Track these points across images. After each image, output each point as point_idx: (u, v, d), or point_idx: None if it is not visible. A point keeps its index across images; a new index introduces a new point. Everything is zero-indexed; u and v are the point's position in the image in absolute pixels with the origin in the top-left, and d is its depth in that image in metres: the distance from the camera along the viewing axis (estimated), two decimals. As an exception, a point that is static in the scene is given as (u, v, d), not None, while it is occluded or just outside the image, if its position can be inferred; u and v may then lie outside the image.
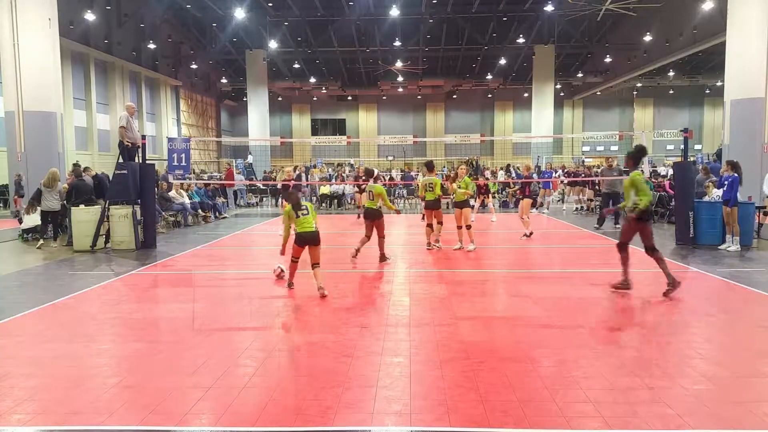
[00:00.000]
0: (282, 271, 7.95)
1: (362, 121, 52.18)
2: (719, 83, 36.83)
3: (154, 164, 12.46)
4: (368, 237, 9.30)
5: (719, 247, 10.42)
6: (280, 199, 22.92)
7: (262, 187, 24.12)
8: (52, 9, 16.53)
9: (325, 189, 21.68)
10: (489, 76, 42.28)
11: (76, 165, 14.82)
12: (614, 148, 49.31)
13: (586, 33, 35.79)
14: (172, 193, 15.07)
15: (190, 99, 43.92)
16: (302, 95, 49.59)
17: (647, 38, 32.94)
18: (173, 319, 6.16)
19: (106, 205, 11.26)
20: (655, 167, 28.43)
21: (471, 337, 5.34)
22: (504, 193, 21.92)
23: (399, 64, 38.75)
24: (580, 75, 42.44)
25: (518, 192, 13.15)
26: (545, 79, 34.76)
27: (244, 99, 40.11)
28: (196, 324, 5.89)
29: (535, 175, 18.51)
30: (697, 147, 45.40)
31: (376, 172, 10.05)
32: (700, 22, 28.01)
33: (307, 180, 21.39)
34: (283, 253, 7.57)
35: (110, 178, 12.49)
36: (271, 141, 38.61)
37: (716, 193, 11.78)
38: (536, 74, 35.40)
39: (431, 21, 34.30)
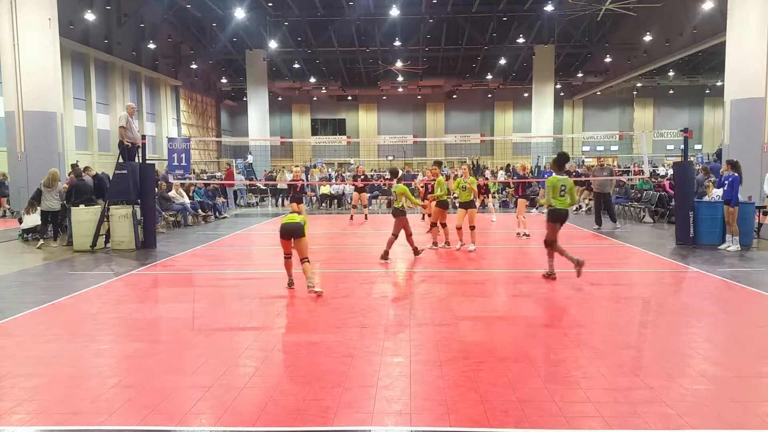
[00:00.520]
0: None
1: (362, 121, 52.18)
2: (719, 83, 36.86)
3: (154, 164, 12.46)
4: (395, 236, 9.54)
5: (719, 247, 10.42)
6: (281, 199, 23.00)
7: (262, 187, 24.12)
8: (52, 9, 16.53)
9: (325, 189, 21.69)
10: (489, 76, 42.28)
11: (75, 165, 14.81)
12: (614, 148, 49.36)
13: (586, 33, 35.79)
14: (172, 193, 15.07)
15: (190, 99, 43.92)
16: (302, 95, 49.60)
17: (647, 38, 32.94)
18: (173, 319, 6.16)
19: (106, 205, 11.26)
20: (656, 167, 28.42)
21: (471, 337, 5.34)
22: (504, 193, 21.91)
23: (399, 64, 38.76)
24: (580, 75, 42.44)
25: (514, 192, 13.25)
26: (545, 79, 34.76)
27: (244, 99, 40.12)
28: (196, 324, 5.89)
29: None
30: (697, 147, 45.42)
31: (400, 172, 10.43)
32: (700, 22, 28.01)
33: (307, 180, 21.39)
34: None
35: (110, 178, 12.49)
36: (271, 141, 38.61)
37: (716, 193, 11.78)
38: (536, 74, 35.39)
39: (431, 21, 34.31)
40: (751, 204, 11.06)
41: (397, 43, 34.92)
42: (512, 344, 5.13)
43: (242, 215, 19.03)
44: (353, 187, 17.98)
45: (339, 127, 52.77)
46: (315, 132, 52.98)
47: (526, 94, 45.58)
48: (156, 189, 13.14)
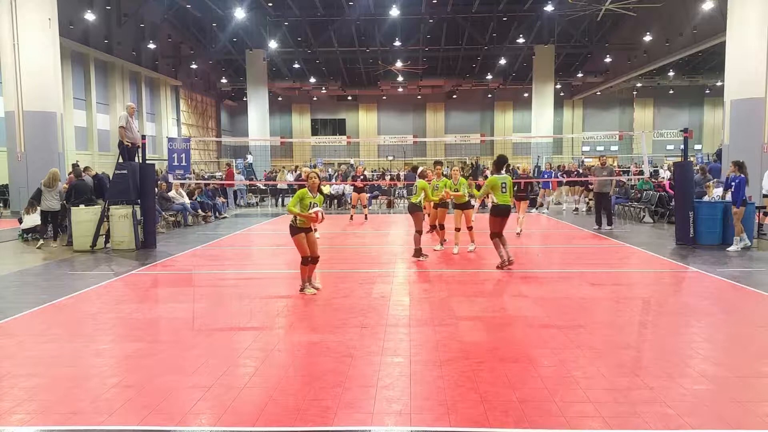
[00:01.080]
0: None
1: (362, 121, 52.19)
2: (719, 83, 36.85)
3: (154, 164, 12.46)
4: (420, 232, 9.65)
5: (728, 249, 10.30)
6: (281, 199, 23.01)
7: (262, 187, 24.12)
8: (52, 9, 16.55)
9: (325, 189, 21.67)
10: (489, 76, 42.29)
11: (75, 165, 14.82)
12: (614, 148, 49.35)
13: (586, 33, 35.80)
14: (172, 193, 15.07)
15: (190, 99, 43.93)
16: (302, 95, 49.61)
17: (647, 38, 32.95)
18: (173, 319, 6.16)
19: (106, 205, 11.26)
20: (656, 167, 28.41)
21: (471, 337, 5.34)
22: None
23: (399, 64, 38.76)
24: (580, 75, 42.45)
25: (517, 193, 13.37)
26: (545, 79, 34.77)
27: (244, 99, 40.12)
28: (196, 324, 5.89)
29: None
30: (697, 147, 45.42)
31: (420, 168, 10.78)
32: (700, 22, 28.01)
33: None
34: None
35: (110, 178, 12.49)
36: (271, 141, 38.61)
37: (717, 193, 11.78)
38: (536, 74, 35.40)
39: (431, 21, 34.31)
40: (751, 204, 11.05)
41: (397, 43, 34.93)
42: (512, 344, 5.13)
43: (242, 215, 19.04)
44: (353, 187, 17.96)
45: (339, 127, 52.77)
46: (315, 132, 52.99)
47: (526, 94, 45.58)
48: (156, 189, 13.14)
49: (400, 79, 41.76)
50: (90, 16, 27.67)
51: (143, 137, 11.83)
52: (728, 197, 11.63)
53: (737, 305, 6.62)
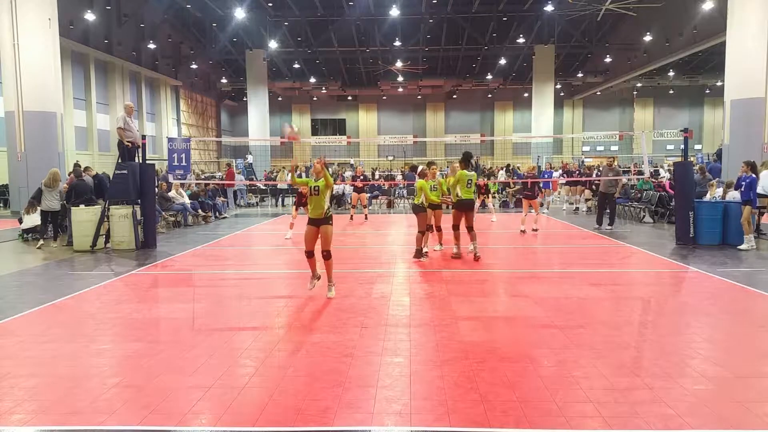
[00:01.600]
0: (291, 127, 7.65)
1: (362, 121, 52.20)
2: (719, 83, 36.86)
3: (154, 164, 12.46)
4: (422, 232, 9.65)
5: (738, 247, 10.32)
6: (281, 199, 23.01)
7: (262, 187, 24.12)
8: (52, 9, 16.55)
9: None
10: (489, 76, 42.30)
11: (76, 165, 14.83)
12: (614, 148, 49.37)
13: (586, 33, 35.80)
14: (172, 193, 15.07)
15: (190, 99, 43.93)
16: (302, 95, 49.61)
17: (647, 38, 32.95)
18: (173, 319, 6.16)
19: (106, 205, 11.26)
20: (656, 167, 28.41)
21: (471, 337, 5.34)
22: (504, 193, 21.90)
23: (399, 64, 38.76)
24: (580, 75, 42.45)
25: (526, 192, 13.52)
26: (545, 79, 34.77)
27: (244, 99, 40.13)
28: (196, 324, 5.89)
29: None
30: (697, 147, 45.44)
31: (420, 168, 10.77)
32: (700, 22, 28.02)
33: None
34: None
35: (110, 178, 12.49)
36: (271, 141, 38.62)
37: (717, 193, 11.79)
38: (536, 74, 35.41)
39: (431, 21, 34.31)
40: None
41: (397, 43, 34.93)
42: (512, 344, 5.13)
43: (242, 215, 19.04)
44: (352, 187, 17.95)
45: (339, 127, 52.79)
46: (315, 132, 53.00)
47: (526, 94, 45.59)
48: (156, 189, 13.14)
49: (400, 79, 41.76)
50: (90, 16, 27.67)
51: (143, 137, 11.83)
52: (728, 197, 11.65)
53: (737, 305, 6.62)
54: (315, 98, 51.34)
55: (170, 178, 13.68)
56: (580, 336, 5.33)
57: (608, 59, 39.50)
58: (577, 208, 18.87)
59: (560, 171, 24.61)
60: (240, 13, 29.38)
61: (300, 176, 21.64)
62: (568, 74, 43.09)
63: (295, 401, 3.91)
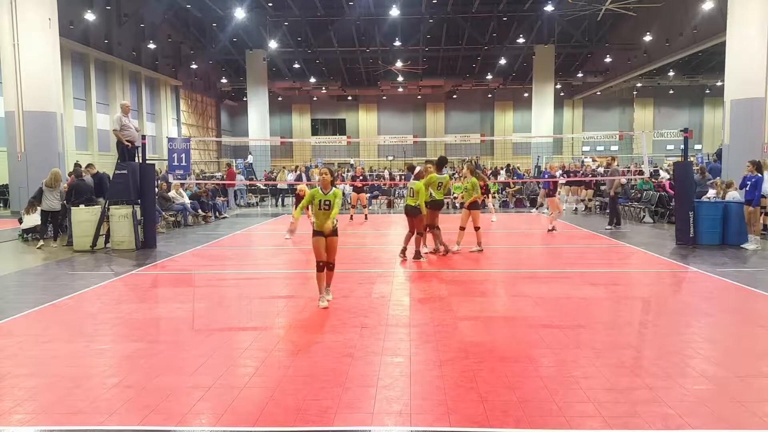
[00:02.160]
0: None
1: (362, 121, 52.18)
2: (719, 83, 36.83)
3: (154, 164, 12.45)
4: (412, 233, 9.64)
5: (742, 246, 10.34)
6: (281, 199, 23.00)
7: (262, 187, 24.12)
8: (52, 9, 16.54)
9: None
10: (489, 76, 42.28)
11: (76, 165, 14.82)
12: (614, 148, 49.34)
13: (586, 33, 35.78)
14: (172, 193, 15.07)
15: (190, 99, 43.92)
16: (302, 95, 49.60)
17: (647, 38, 32.93)
18: (173, 319, 6.16)
19: (106, 205, 11.26)
20: (656, 167, 28.41)
21: (471, 337, 5.34)
22: (504, 193, 21.90)
23: (399, 64, 38.74)
24: (580, 75, 42.44)
25: (545, 192, 13.72)
26: (545, 79, 34.76)
27: (244, 99, 40.11)
28: (196, 324, 5.89)
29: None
30: (697, 147, 45.43)
31: (417, 168, 10.74)
32: (700, 22, 28.00)
33: (308, 180, 21.38)
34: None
35: (110, 177, 12.49)
36: (271, 141, 38.60)
37: (712, 193, 11.79)
38: (536, 74, 35.39)
39: (431, 21, 34.30)
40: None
41: (397, 43, 34.91)
42: (512, 344, 5.13)
43: (242, 215, 19.03)
44: (352, 187, 17.95)
45: (339, 127, 52.77)
46: (315, 132, 52.99)
47: (526, 94, 45.58)
48: (156, 189, 13.14)
49: (400, 79, 41.74)
50: (90, 16, 27.65)
51: (143, 137, 11.81)
52: (728, 197, 11.65)
53: (737, 305, 6.63)
54: (315, 98, 51.32)
55: (170, 178, 13.69)
56: (580, 336, 5.33)
57: (608, 59, 39.49)
58: (576, 208, 18.86)
59: (560, 171, 24.56)
60: (240, 13, 29.37)
61: (300, 177, 21.75)
62: (568, 74, 43.08)
63: (295, 401, 3.91)
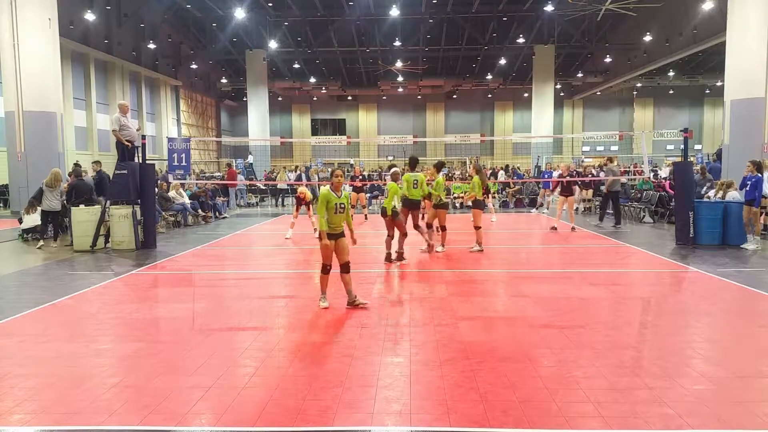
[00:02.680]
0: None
1: (362, 121, 52.18)
2: (719, 83, 36.84)
3: (154, 164, 12.45)
4: (392, 237, 9.48)
5: (742, 246, 10.34)
6: (281, 199, 23.00)
7: (262, 187, 24.11)
8: (52, 9, 16.54)
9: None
10: (489, 76, 42.27)
11: (76, 165, 14.83)
12: (614, 148, 49.34)
13: (586, 33, 35.77)
14: (172, 193, 15.07)
15: (190, 99, 43.91)
16: (302, 95, 49.58)
17: (647, 38, 32.93)
18: (173, 319, 6.16)
19: (106, 205, 11.26)
20: (656, 167, 28.41)
21: (471, 337, 5.34)
22: (504, 193, 21.91)
23: (399, 64, 38.74)
24: (580, 75, 42.43)
25: (561, 192, 13.61)
26: (545, 79, 34.75)
27: (244, 99, 40.09)
28: (196, 324, 5.89)
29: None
30: (697, 147, 45.41)
31: (393, 169, 10.69)
32: (700, 22, 28.00)
33: (308, 180, 21.38)
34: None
35: (110, 178, 12.50)
36: (271, 141, 38.59)
37: (710, 193, 11.79)
38: (536, 74, 35.39)
39: (431, 21, 34.30)
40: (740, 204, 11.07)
41: (397, 43, 34.90)
42: (512, 344, 5.13)
43: (242, 215, 19.04)
44: (352, 187, 17.94)
45: (339, 127, 52.76)
46: (315, 132, 52.99)
47: (526, 94, 45.57)
48: (156, 189, 13.15)
49: (400, 79, 41.73)
50: (90, 16, 27.64)
51: (143, 137, 11.81)
52: (728, 197, 11.65)
53: (737, 305, 6.63)
54: (315, 98, 51.31)
55: (170, 178, 13.69)
56: (580, 336, 5.33)
57: (608, 59, 39.48)
58: (576, 208, 18.85)
59: (559, 171, 24.56)
60: (240, 13, 29.36)
61: (300, 177, 21.74)
62: (568, 74, 43.07)
63: (295, 401, 3.91)
